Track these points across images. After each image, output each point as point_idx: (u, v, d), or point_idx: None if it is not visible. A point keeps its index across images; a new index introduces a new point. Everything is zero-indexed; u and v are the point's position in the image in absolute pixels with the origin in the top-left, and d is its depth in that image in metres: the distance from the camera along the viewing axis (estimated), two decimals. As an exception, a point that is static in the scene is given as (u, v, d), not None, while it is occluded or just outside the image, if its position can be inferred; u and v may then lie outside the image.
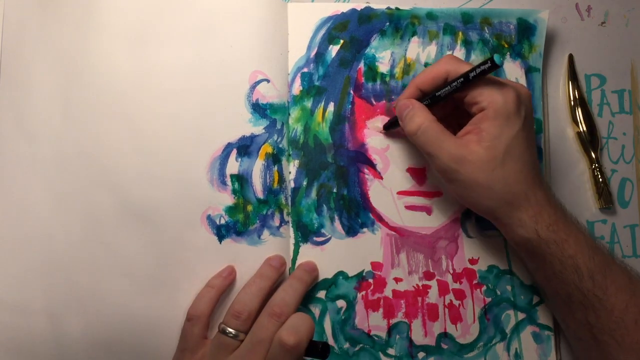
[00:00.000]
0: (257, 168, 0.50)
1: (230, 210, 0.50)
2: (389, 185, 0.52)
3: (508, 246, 0.52)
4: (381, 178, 0.52)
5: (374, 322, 0.51)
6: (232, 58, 0.50)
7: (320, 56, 0.52)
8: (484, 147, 0.44)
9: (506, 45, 0.53)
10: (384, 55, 0.53)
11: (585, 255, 0.44)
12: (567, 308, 0.46)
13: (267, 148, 0.50)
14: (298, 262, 0.51)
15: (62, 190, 0.49)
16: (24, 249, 0.49)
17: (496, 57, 0.42)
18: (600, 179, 0.54)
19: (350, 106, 0.52)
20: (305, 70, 0.52)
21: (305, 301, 0.50)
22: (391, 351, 0.51)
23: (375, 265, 0.51)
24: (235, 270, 0.49)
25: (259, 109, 0.50)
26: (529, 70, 0.53)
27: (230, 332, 0.45)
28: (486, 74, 0.44)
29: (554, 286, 0.46)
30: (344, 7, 0.53)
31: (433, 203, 0.52)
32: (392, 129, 0.52)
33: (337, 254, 0.51)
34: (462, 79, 0.45)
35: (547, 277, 0.46)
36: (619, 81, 0.56)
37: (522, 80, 0.53)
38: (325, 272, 0.51)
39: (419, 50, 0.53)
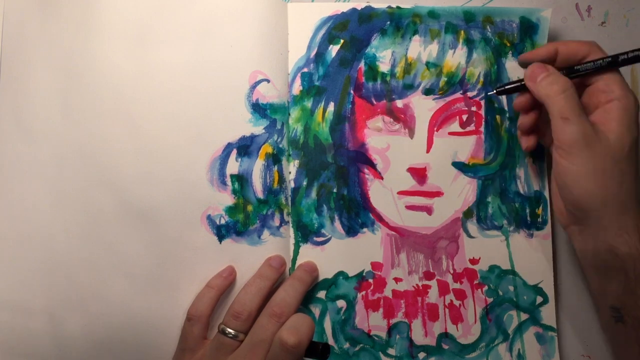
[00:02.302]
0: (257, 168, 0.50)
1: (230, 210, 0.50)
2: (389, 185, 0.52)
3: (510, 246, 0.52)
4: (381, 178, 0.52)
5: (374, 322, 0.51)
6: (232, 58, 0.50)
7: (320, 56, 0.52)
8: (615, 134, 0.43)
9: (508, 44, 0.53)
10: (384, 54, 0.53)
11: None
12: (635, 333, 0.43)
13: (267, 148, 0.50)
14: (298, 262, 0.51)
15: (62, 190, 0.49)
16: (24, 249, 0.49)
17: None
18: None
19: (350, 106, 0.52)
20: (305, 70, 0.52)
21: (305, 301, 0.50)
22: (391, 351, 0.51)
23: (375, 265, 0.51)
24: (235, 270, 0.49)
25: (259, 109, 0.50)
26: (530, 70, 0.53)
27: (230, 333, 0.45)
28: (636, 62, 0.44)
29: (628, 309, 0.43)
30: (344, 7, 0.53)
31: (433, 203, 0.52)
32: (506, 94, 0.50)
33: (337, 254, 0.51)
34: (609, 59, 0.44)
35: (619, 298, 0.43)
36: (620, 81, 0.56)
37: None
38: (325, 272, 0.51)
39: (420, 49, 0.53)
